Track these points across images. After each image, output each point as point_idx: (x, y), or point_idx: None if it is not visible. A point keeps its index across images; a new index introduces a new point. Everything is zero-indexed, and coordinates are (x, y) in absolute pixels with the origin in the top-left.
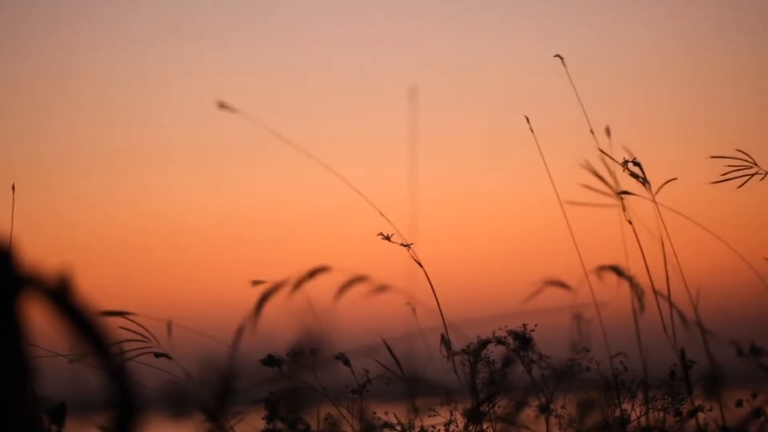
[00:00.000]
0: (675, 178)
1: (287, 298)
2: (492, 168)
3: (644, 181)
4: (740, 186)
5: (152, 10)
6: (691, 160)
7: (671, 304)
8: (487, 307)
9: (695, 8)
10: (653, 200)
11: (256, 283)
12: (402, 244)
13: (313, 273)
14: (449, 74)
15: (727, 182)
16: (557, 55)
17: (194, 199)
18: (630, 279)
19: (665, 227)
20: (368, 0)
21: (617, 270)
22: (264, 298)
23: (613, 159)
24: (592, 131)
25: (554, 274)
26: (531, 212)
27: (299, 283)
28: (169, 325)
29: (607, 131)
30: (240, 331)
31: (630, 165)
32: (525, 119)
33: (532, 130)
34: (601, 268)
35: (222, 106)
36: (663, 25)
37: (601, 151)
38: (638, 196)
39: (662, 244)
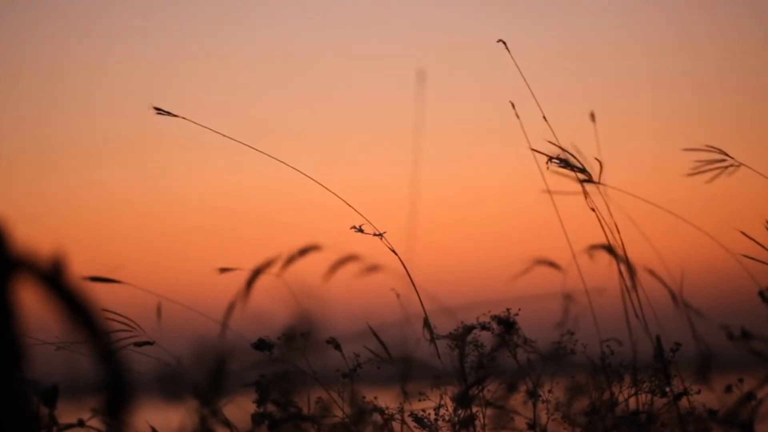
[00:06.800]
0: (599, 159)
1: (278, 275)
2: (483, 154)
3: (582, 170)
4: (710, 180)
5: None
6: (670, 149)
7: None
8: (482, 292)
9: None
10: (598, 185)
11: (223, 270)
12: (374, 234)
13: (304, 251)
14: (436, 59)
15: (700, 175)
16: (500, 41)
17: (185, 184)
18: (621, 258)
19: (611, 213)
20: None
21: (608, 249)
22: (255, 274)
23: (542, 153)
24: (545, 118)
25: (545, 254)
26: (522, 197)
27: (290, 260)
28: (159, 308)
29: (592, 117)
30: (231, 307)
31: (555, 161)
32: (510, 105)
33: (517, 116)
34: (593, 248)
35: (157, 110)
36: (652, 17)
37: (535, 150)
38: (599, 183)
39: (617, 231)
